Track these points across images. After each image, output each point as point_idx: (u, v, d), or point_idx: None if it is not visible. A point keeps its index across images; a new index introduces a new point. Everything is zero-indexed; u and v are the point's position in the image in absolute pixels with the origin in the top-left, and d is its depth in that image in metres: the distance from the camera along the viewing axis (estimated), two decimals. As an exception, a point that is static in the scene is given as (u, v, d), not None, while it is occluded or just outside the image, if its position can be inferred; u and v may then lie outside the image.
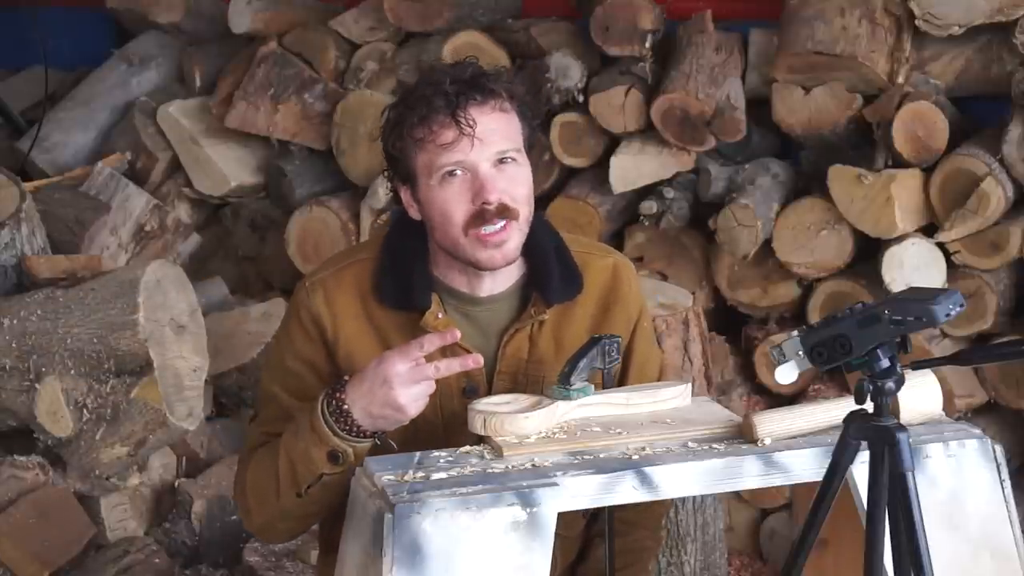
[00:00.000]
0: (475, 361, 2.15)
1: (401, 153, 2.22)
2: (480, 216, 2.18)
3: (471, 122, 2.15)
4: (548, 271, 2.30)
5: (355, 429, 2.14)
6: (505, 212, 2.18)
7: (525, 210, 2.22)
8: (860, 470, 1.95)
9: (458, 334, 2.13)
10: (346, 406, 2.13)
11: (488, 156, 2.18)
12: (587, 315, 2.34)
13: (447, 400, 2.27)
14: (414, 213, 2.27)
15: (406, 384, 2.09)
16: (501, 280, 2.29)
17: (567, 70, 4.23)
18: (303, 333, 2.29)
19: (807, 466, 2.06)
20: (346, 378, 2.17)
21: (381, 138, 2.26)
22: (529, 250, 2.29)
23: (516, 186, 2.20)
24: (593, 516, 2.46)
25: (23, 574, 3.36)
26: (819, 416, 2.12)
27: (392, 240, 2.32)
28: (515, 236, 2.22)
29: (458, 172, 2.18)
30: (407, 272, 2.27)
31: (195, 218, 4.83)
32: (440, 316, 2.25)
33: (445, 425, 2.28)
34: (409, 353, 2.10)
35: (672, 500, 3.08)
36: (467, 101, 2.16)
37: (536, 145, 2.33)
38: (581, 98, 4.23)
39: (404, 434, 2.20)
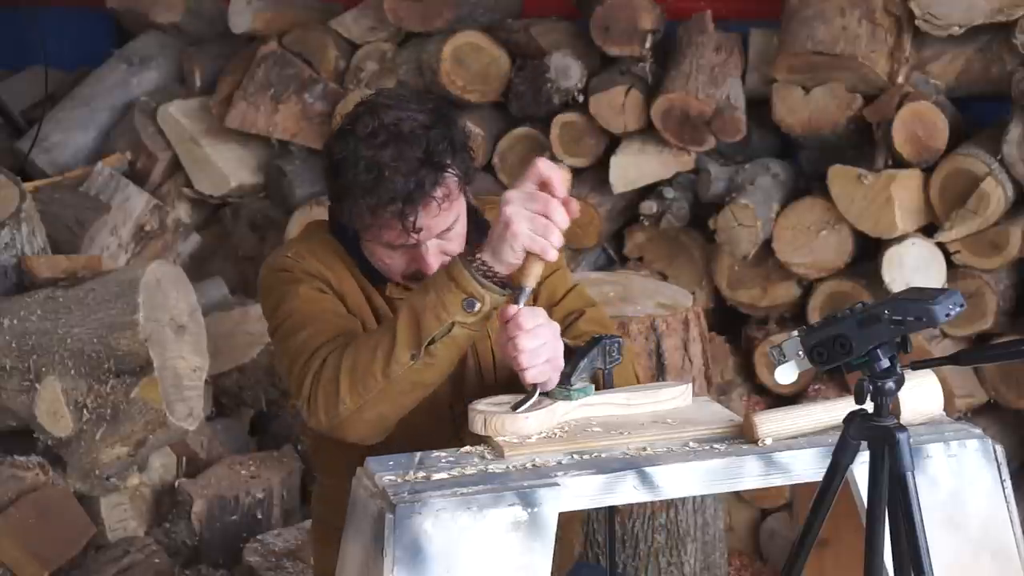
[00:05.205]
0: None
1: (344, 200, 2.26)
2: (416, 276, 2.28)
3: (418, 228, 2.22)
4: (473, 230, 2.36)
5: (491, 274, 2.12)
6: None
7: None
8: (860, 470, 1.95)
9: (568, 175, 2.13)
10: (480, 254, 2.13)
11: (431, 238, 2.26)
12: None
13: None
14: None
15: (519, 210, 2.08)
16: None
17: (567, 70, 4.23)
18: (311, 279, 2.32)
19: (807, 466, 2.06)
20: None
21: (326, 157, 2.31)
22: None
23: (453, 245, 2.28)
24: None
25: (23, 574, 3.36)
26: (819, 416, 2.13)
27: (337, 231, 2.39)
28: None
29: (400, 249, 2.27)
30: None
31: (195, 218, 4.83)
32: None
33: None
34: (524, 187, 2.10)
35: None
36: (414, 209, 2.20)
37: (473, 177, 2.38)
38: (581, 98, 4.23)
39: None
